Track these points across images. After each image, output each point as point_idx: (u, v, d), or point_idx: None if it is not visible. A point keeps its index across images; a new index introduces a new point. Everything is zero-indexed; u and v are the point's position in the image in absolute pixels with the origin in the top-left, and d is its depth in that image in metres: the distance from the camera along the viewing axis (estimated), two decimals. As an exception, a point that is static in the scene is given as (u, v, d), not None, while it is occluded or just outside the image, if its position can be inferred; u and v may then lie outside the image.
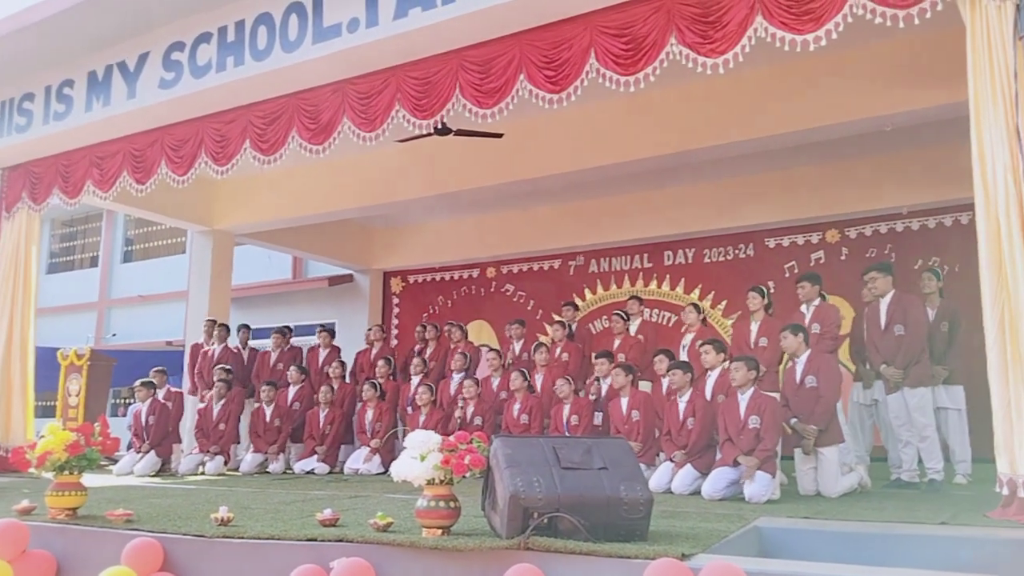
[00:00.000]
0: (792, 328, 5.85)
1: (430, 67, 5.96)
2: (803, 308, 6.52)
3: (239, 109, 6.88)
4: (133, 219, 15.97)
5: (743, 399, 5.52)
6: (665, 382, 6.56)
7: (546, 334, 10.78)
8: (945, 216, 9.14)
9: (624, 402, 6.54)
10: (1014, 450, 3.98)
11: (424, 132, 6.35)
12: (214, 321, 9.53)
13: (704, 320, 7.49)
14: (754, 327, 6.60)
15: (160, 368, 9.00)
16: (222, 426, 8.38)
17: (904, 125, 6.94)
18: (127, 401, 15.72)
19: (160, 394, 8.63)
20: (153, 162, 7.34)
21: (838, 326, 6.34)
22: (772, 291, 8.12)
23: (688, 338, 7.07)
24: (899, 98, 6.49)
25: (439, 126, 6.50)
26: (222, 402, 8.49)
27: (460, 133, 7.24)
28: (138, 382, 8.55)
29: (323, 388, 8.53)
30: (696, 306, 7.31)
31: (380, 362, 8.82)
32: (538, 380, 7.75)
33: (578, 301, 10.71)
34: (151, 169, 7.36)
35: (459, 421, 7.72)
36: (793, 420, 5.62)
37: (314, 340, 9.71)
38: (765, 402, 5.45)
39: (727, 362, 6.13)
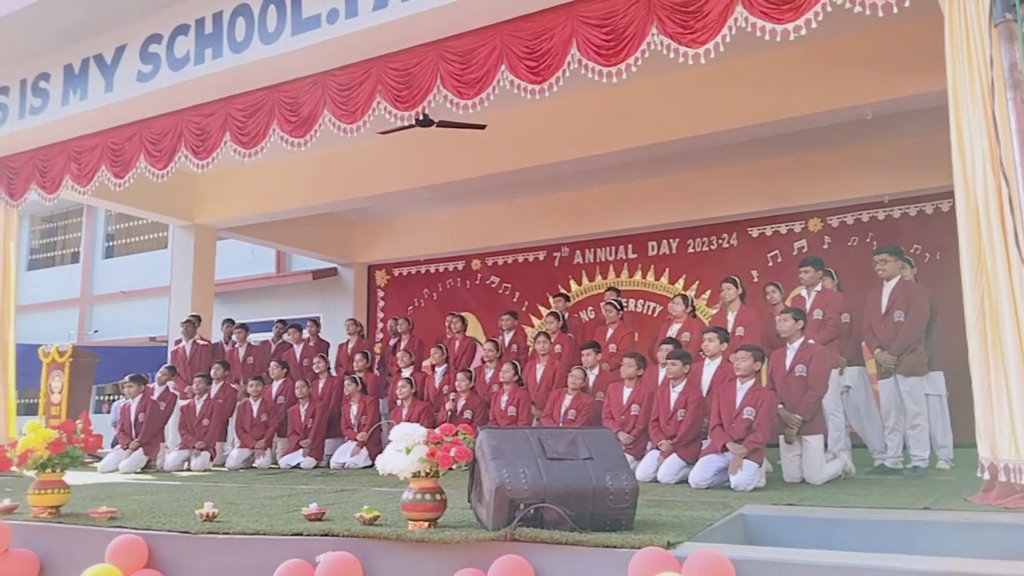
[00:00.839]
0: (795, 312, 5.84)
1: (410, 58, 5.92)
2: (803, 292, 6.52)
3: (218, 102, 6.82)
4: (114, 214, 15.81)
5: (742, 388, 5.51)
6: (662, 372, 6.53)
7: (532, 326, 10.81)
8: (926, 204, 9.19)
9: (627, 392, 6.43)
10: (995, 435, 4.02)
11: (406, 124, 6.31)
12: (197, 318, 9.51)
13: (693, 312, 7.47)
14: (731, 317, 6.63)
15: (170, 365, 8.97)
16: (206, 421, 8.34)
17: (885, 113, 6.96)
18: (111, 398, 15.59)
19: (158, 391, 8.58)
20: (131, 156, 7.26)
21: (840, 312, 6.35)
22: (756, 280, 8.18)
23: (674, 328, 7.06)
24: (880, 86, 6.51)
25: (421, 118, 6.46)
26: (204, 398, 8.45)
27: (442, 124, 7.21)
28: (127, 377, 8.49)
29: (298, 383, 8.50)
30: (684, 297, 7.32)
31: (357, 356, 8.80)
32: (538, 370, 7.68)
33: (561, 292, 10.71)
34: (129, 163, 7.28)
35: (449, 414, 7.70)
36: (779, 406, 5.64)
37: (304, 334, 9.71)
38: (763, 396, 5.44)
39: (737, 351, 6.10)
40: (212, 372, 8.69)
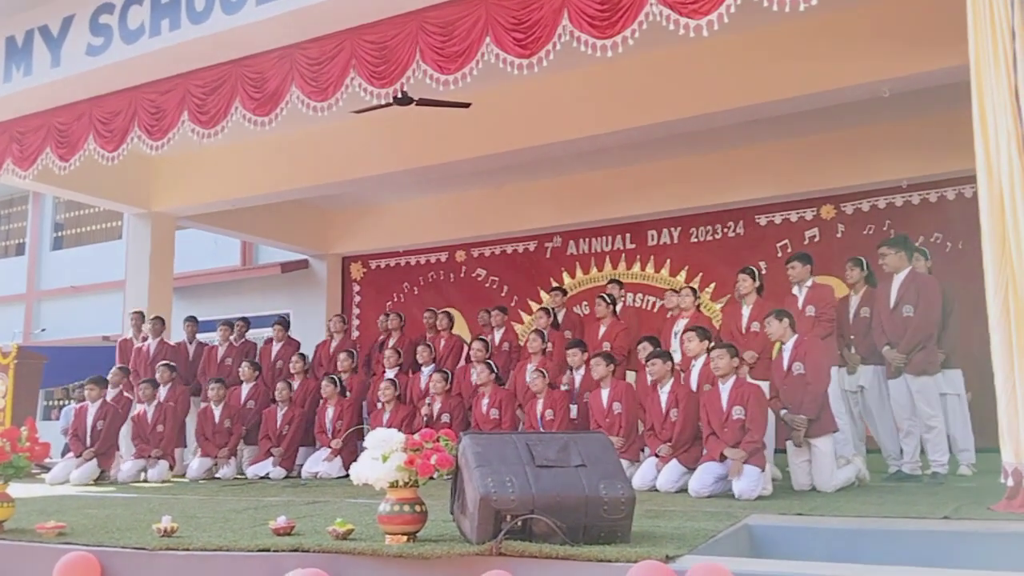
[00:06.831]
0: (776, 313, 5.92)
1: (388, 30, 5.90)
2: (795, 290, 6.59)
3: (176, 78, 6.77)
4: (64, 202, 15.70)
5: (725, 389, 5.59)
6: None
7: (522, 323, 10.80)
8: (947, 189, 9.25)
9: (605, 394, 6.55)
10: (1019, 438, 4.05)
11: (382, 102, 6.31)
12: (140, 313, 9.49)
13: (699, 306, 7.54)
14: (746, 311, 6.68)
15: (122, 366, 8.93)
16: (160, 428, 8.27)
17: (903, 91, 6.99)
18: (60, 403, 15.50)
19: (111, 394, 8.52)
20: (79, 137, 7.20)
21: (834, 307, 6.42)
22: (764, 272, 8.20)
23: (681, 324, 7.12)
24: (897, 61, 6.53)
25: (399, 95, 6.45)
26: (155, 403, 8.40)
27: (422, 103, 7.18)
28: (88, 379, 8.44)
29: (279, 384, 8.47)
30: (694, 290, 7.41)
31: (342, 355, 8.77)
32: (529, 371, 7.59)
33: (557, 286, 10.71)
34: (77, 145, 7.22)
35: (425, 418, 7.70)
36: (783, 411, 5.70)
37: (267, 333, 9.63)
38: (749, 391, 5.52)
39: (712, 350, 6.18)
40: (158, 375, 8.64)
